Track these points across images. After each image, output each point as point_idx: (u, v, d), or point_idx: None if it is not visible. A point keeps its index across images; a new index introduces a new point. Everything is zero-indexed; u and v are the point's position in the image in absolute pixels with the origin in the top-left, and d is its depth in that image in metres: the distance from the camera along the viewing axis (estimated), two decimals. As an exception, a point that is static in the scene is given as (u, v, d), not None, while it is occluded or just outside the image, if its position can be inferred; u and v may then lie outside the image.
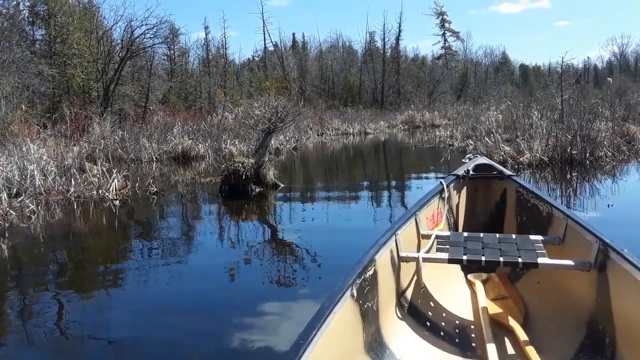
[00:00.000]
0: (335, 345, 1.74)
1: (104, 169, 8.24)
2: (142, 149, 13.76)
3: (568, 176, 8.35)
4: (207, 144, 14.16)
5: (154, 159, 13.63)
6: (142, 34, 25.02)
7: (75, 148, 12.06)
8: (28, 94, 20.14)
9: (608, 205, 5.54)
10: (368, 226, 5.69)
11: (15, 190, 7.44)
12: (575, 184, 7.75)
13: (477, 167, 3.62)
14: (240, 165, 7.16)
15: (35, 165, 7.88)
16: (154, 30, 24.83)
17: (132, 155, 13.72)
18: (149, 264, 4.63)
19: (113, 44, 25.96)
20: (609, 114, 12.76)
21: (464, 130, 15.93)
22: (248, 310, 3.42)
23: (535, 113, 12.12)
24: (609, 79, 29.14)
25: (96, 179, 7.90)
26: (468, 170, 3.57)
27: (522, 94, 29.88)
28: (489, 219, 3.52)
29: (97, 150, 13.28)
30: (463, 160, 4.22)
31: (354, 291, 1.98)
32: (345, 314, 1.86)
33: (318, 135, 22.48)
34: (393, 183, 9.78)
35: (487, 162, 3.72)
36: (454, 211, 3.44)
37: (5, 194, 6.74)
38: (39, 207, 6.98)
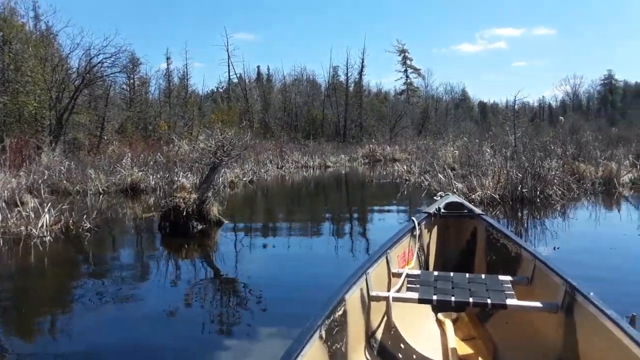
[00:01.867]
0: None
1: (36, 203, 7.72)
2: (89, 180, 13.17)
3: (519, 214, 8.30)
4: (158, 176, 13.68)
5: (101, 191, 13.04)
6: (99, 62, 24.53)
7: (14, 180, 11.43)
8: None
9: (554, 248, 5.43)
10: (321, 266, 5.45)
11: None
12: (525, 224, 7.68)
13: (448, 205, 3.67)
14: (181, 200, 6.79)
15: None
16: (112, 59, 24.38)
17: (78, 187, 13.12)
18: (70, 309, 4.24)
19: (69, 72, 25.32)
20: (561, 152, 12.99)
21: (421, 165, 15.96)
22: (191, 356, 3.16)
23: (488, 150, 12.21)
24: (561, 117, 30.13)
25: (28, 214, 7.36)
26: (439, 208, 3.62)
27: (480, 130, 30.64)
28: (459, 258, 3.56)
29: (39, 182, 12.64)
30: (434, 197, 4.12)
31: (323, 332, 1.93)
32: (313, 357, 1.79)
33: (278, 167, 22.23)
34: (350, 219, 9.55)
35: (458, 201, 3.78)
36: (425, 249, 3.46)
37: None
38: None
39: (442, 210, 3.63)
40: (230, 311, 4.14)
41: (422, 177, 12.85)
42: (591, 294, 2.14)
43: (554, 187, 9.26)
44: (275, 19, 73.58)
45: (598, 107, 63.16)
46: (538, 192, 9.02)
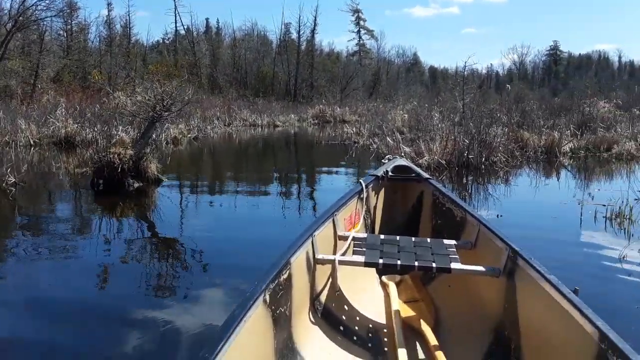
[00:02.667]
0: (245, 355, 1.66)
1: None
2: (19, 131, 12.29)
3: (464, 180, 8.35)
4: (95, 129, 12.90)
5: (32, 143, 12.22)
6: (33, 4, 22.78)
7: None
8: None
9: (497, 216, 5.44)
10: (267, 226, 5.24)
11: None
12: (470, 189, 7.73)
13: (396, 169, 3.66)
14: (116, 156, 6.35)
15: None
16: (47, 1, 22.68)
17: (7, 138, 12.23)
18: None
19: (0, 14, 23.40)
20: (506, 119, 13.18)
21: (371, 127, 15.88)
22: (131, 319, 2.98)
23: (437, 115, 12.23)
24: (508, 85, 30.78)
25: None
26: (387, 172, 3.61)
27: (430, 95, 30.89)
28: (405, 221, 3.57)
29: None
30: (382, 160, 4.00)
31: (267, 296, 1.90)
32: (256, 322, 1.79)
33: (225, 125, 21.64)
34: (298, 180, 9.36)
35: (406, 164, 3.76)
36: (372, 212, 3.46)
37: None
38: None
39: (390, 174, 3.61)
40: (166, 272, 3.91)
41: (371, 140, 12.76)
42: (532, 258, 2.16)
43: (499, 154, 9.36)
44: (227, -31, 70.55)
45: (542, 77, 65.16)
46: (483, 159, 9.09)
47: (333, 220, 2.82)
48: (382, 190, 3.59)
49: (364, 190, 3.28)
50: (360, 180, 3.38)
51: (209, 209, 6.36)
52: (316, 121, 26.22)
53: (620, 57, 67.60)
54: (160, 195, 6.79)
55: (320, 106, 28.58)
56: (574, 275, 3.35)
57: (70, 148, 11.95)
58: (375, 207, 3.50)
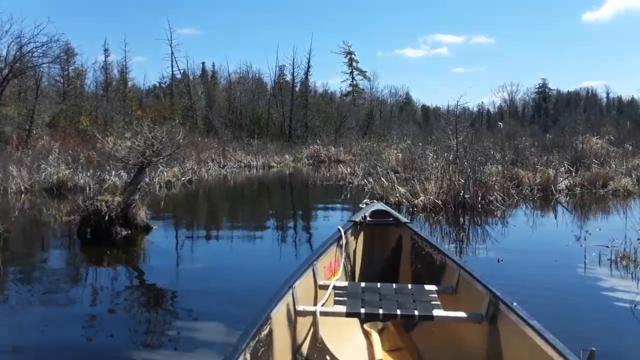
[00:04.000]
0: None
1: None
2: (9, 177, 12.14)
3: (461, 220, 8.22)
4: (88, 174, 12.78)
5: (23, 190, 12.05)
6: (29, 51, 23.00)
7: None
8: None
9: (498, 260, 5.26)
10: (260, 274, 5.05)
11: None
12: (467, 230, 7.59)
13: (374, 213, 3.66)
14: (103, 204, 6.19)
15: None
16: (44, 48, 22.91)
17: (-2, 186, 12.06)
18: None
19: (-4, 60, 23.61)
20: (500, 157, 13.16)
21: (365, 167, 15.82)
22: None
23: (431, 154, 12.19)
24: (500, 123, 31.05)
25: None
26: (365, 217, 3.59)
27: (423, 133, 31.07)
28: (385, 267, 3.55)
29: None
30: (360, 205, 4.06)
31: (248, 355, 1.85)
32: None
33: (220, 167, 21.57)
34: (293, 222, 9.20)
35: (384, 209, 3.76)
36: (351, 258, 3.43)
37: None
38: None
39: (368, 219, 3.61)
40: (153, 322, 3.78)
41: (366, 180, 12.67)
42: (514, 304, 2.16)
43: (495, 193, 9.25)
44: (221, 15, 72.32)
45: (532, 113, 65.90)
46: (479, 198, 8.98)
47: (313, 269, 2.79)
48: (361, 235, 3.58)
49: (343, 236, 3.25)
50: (339, 227, 3.33)
51: (199, 256, 6.17)
52: (311, 161, 26.21)
53: (608, 93, 68.55)
54: (149, 243, 6.60)
55: (315, 146, 28.64)
56: (585, 329, 3.18)
57: (62, 194, 11.78)
58: (354, 254, 3.48)
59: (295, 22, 73.65)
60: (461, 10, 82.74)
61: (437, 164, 11.43)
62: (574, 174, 12.14)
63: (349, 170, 16.99)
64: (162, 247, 6.36)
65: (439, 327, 2.71)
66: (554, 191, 10.81)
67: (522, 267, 5.13)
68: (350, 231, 3.43)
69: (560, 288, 4.43)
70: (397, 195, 9.31)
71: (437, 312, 2.43)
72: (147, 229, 6.80)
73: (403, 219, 3.63)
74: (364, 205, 3.89)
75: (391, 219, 3.65)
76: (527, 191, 10.74)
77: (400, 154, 17.59)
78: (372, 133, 40.44)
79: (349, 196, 11.49)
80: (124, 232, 6.50)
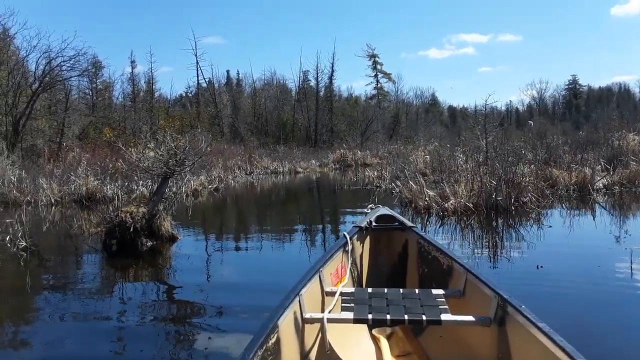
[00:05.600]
0: None
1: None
2: (40, 190, 12.32)
3: (494, 224, 7.92)
4: (116, 185, 12.89)
5: (53, 202, 12.21)
6: (57, 65, 23.48)
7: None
8: None
9: (537, 267, 4.97)
10: (284, 281, 4.86)
11: None
12: (502, 233, 7.29)
13: (379, 218, 3.65)
14: (128, 215, 6.13)
15: None
16: (71, 62, 23.37)
17: (29, 198, 12.25)
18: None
19: (26, 75, 24.17)
20: (532, 156, 12.73)
21: (393, 170, 15.57)
22: None
23: (461, 155, 11.87)
24: (530, 121, 30.31)
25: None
26: (371, 222, 3.58)
27: (451, 135, 30.54)
28: (391, 272, 3.53)
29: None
30: (365, 210, 3.95)
31: None
32: None
33: (247, 174, 21.60)
34: (322, 228, 9.05)
35: (389, 213, 3.74)
36: (358, 264, 3.42)
37: None
38: None
39: (374, 224, 3.61)
40: (179, 335, 3.71)
41: (393, 184, 12.42)
42: (523, 306, 2.15)
43: (529, 194, 8.90)
44: (244, 23, 72.91)
45: (563, 111, 64.34)
46: (513, 200, 8.65)
47: (319, 276, 2.80)
48: (367, 240, 3.57)
49: (349, 242, 3.25)
50: (344, 233, 3.34)
51: (226, 265, 6.07)
52: (337, 166, 26.07)
53: (641, 88, 66.48)
54: (175, 253, 6.52)
55: (341, 150, 28.50)
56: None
57: (91, 205, 11.89)
58: (361, 259, 3.47)
59: (318, 27, 73.87)
60: (486, 9, 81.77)
61: (466, 165, 11.11)
62: (611, 172, 11.64)
63: (376, 174, 16.76)
64: (188, 258, 6.25)
65: (447, 332, 2.70)
66: (591, 190, 10.37)
67: (562, 275, 4.78)
68: (356, 237, 3.43)
69: (607, 301, 4.09)
70: (426, 198, 9.05)
71: (445, 317, 2.42)
72: (172, 239, 6.73)
73: (409, 223, 3.62)
74: (369, 210, 3.88)
75: (397, 223, 3.64)
76: (562, 191, 10.35)
77: (427, 156, 17.26)
78: (398, 136, 40.08)
79: (376, 200, 11.24)
80: (149, 243, 6.44)
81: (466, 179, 9.53)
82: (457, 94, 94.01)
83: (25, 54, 24.03)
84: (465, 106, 61.82)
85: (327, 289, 2.83)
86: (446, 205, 8.58)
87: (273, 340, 2.06)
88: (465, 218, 8.18)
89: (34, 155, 21.74)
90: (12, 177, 13.07)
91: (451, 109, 64.51)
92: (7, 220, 7.41)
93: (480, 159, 11.28)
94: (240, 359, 1.80)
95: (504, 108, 61.13)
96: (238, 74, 48.80)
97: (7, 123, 22.41)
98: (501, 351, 2.25)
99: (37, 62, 23.60)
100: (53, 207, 11.85)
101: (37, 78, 23.04)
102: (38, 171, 14.21)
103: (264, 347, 1.97)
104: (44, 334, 3.86)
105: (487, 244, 6.66)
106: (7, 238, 6.70)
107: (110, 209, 6.80)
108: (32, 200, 12.17)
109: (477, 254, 5.99)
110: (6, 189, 12.43)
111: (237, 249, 7.21)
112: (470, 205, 8.49)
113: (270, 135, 38.38)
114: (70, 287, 5.27)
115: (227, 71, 49.04)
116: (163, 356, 3.34)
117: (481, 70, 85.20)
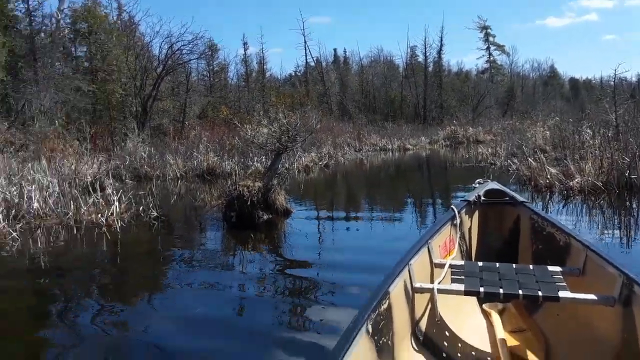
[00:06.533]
0: None
1: (113, 190, 7.69)
2: (167, 165, 13.37)
3: (627, 204, 7.23)
4: (233, 161, 13.60)
5: (179, 176, 13.20)
6: (178, 49, 25.06)
7: (95, 165, 11.77)
8: (66, 109, 20.32)
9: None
10: (395, 251, 4.91)
11: (13, 212, 7.04)
12: (637, 216, 6.64)
13: (488, 193, 3.56)
14: (245, 189, 6.44)
15: (34, 186, 7.40)
16: (190, 46, 24.81)
17: (158, 172, 13.35)
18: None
19: (151, 59, 26.13)
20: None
21: (508, 147, 14.78)
22: (273, 339, 3.25)
23: (588, 130, 10.93)
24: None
25: (99, 201, 7.37)
26: (479, 196, 3.51)
27: (573, 108, 28.24)
28: (502, 247, 3.45)
29: (121, 167, 13.01)
30: (473, 185, 3.87)
31: (369, 327, 1.92)
32: (361, 352, 1.78)
33: (355, 151, 21.70)
34: (432, 205, 8.88)
35: (498, 188, 3.65)
36: (466, 238, 3.38)
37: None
38: (34, 232, 6.51)
39: (483, 198, 3.51)
40: (295, 304, 3.90)
41: (509, 161, 11.78)
42: None
43: (670, 173, 7.98)
44: (350, 0, 72.32)
45: None
46: (649, 178, 7.82)
47: (428, 247, 2.77)
48: (475, 215, 3.50)
49: (457, 216, 3.20)
50: (452, 206, 3.28)
51: (339, 239, 6.20)
52: (448, 142, 25.30)
53: None
54: (290, 226, 6.76)
55: (452, 127, 27.56)
56: None
57: (212, 179, 12.67)
58: (469, 233, 3.41)
59: (426, 0, 71.14)
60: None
61: (594, 141, 10.22)
62: None
63: (489, 151, 16.04)
64: (302, 231, 6.47)
65: (565, 310, 2.61)
66: None
67: None
68: (464, 210, 3.36)
69: None
70: (548, 176, 8.48)
71: (563, 294, 2.30)
72: (287, 212, 6.97)
73: (520, 198, 3.49)
74: (477, 185, 3.78)
75: (507, 198, 3.52)
76: None
77: (547, 132, 16.13)
78: (513, 111, 37.91)
79: (491, 178, 10.75)
80: (265, 216, 6.72)
81: (594, 156, 8.77)
82: (579, 65, 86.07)
83: (149, 40, 25.93)
84: (589, 78, 56.66)
85: (436, 260, 2.80)
86: (571, 183, 7.97)
87: (385, 306, 2.10)
88: (593, 198, 7.55)
89: (161, 134, 23.59)
90: (143, 154, 14.28)
91: (572, 80, 59.46)
92: (140, 192, 8.13)
93: (610, 134, 10.30)
94: (353, 321, 1.84)
95: (634, 79, 55.16)
96: (345, 52, 48.76)
97: (136, 104, 24.42)
98: (627, 333, 2.12)
99: (160, 46, 25.37)
100: (179, 181, 12.80)
101: (160, 62, 24.78)
102: (165, 148, 15.39)
103: (377, 312, 2.00)
104: (176, 296, 4.22)
105: (618, 225, 6.11)
106: (141, 208, 7.35)
107: (229, 183, 7.14)
108: (161, 175, 13.24)
109: (607, 234, 5.56)
110: (138, 164, 13.64)
111: (348, 223, 7.29)
112: (599, 184, 7.81)
113: (378, 112, 38.12)
114: (196, 255, 5.71)
115: (334, 49, 49.15)
116: (281, 322, 3.52)
117: (606, 38, 77.20)
